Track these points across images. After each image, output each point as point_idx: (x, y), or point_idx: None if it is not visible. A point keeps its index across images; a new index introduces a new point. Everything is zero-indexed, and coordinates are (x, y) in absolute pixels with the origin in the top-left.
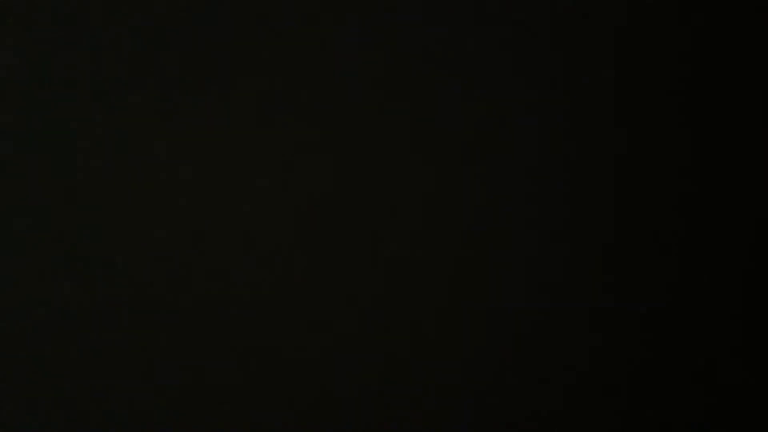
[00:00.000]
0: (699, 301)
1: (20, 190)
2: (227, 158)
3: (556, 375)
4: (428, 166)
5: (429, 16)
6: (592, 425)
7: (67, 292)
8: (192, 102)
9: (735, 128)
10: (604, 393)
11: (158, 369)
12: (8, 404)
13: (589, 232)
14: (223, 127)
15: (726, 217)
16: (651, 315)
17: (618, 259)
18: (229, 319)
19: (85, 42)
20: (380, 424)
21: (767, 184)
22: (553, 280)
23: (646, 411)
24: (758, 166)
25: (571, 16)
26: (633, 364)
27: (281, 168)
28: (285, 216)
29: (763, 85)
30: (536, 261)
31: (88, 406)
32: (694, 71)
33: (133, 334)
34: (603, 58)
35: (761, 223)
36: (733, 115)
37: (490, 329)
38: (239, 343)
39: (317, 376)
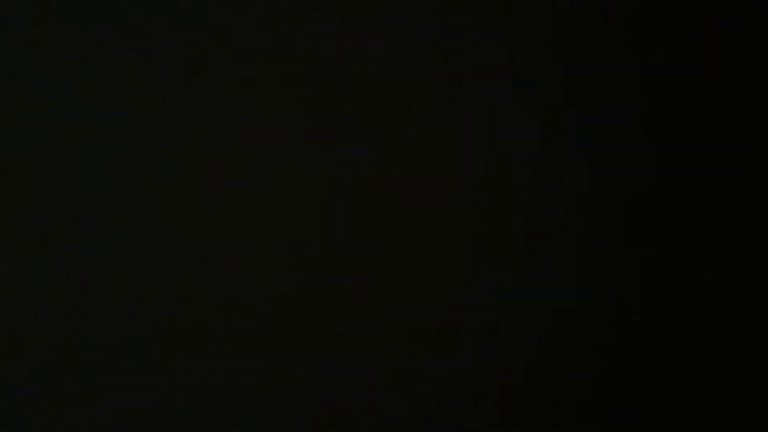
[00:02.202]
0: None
1: (22, 194)
2: (233, 158)
3: (560, 376)
4: (431, 167)
5: (432, 17)
6: (595, 424)
7: (74, 297)
8: (197, 102)
9: (739, 129)
10: (607, 393)
11: (170, 366)
12: (8, 405)
13: (590, 233)
14: (229, 127)
15: (727, 218)
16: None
17: (619, 261)
18: (234, 323)
19: (86, 41)
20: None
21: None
22: (556, 281)
23: (652, 411)
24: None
25: (572, 17)
26: (638, 366)
27: (285, 169)
28: (288, 216)
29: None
30: (538, 262)
31: (90, 410)
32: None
33: (137, 337)
34: (603, 58)
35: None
36: (736, 115)
37: (494, 330)
38: (246, 348)
39: (321, 379)
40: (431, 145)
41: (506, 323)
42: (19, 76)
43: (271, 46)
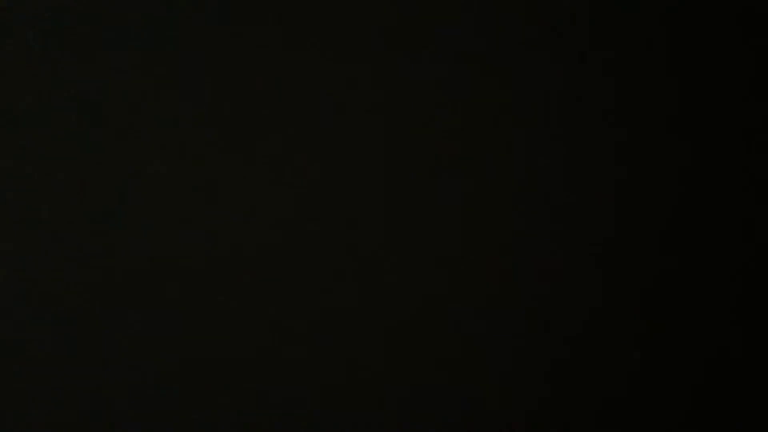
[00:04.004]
0: (699, 301)
1: (21, 191)
2: (224, 159)
3: (556, 375)
4: (427, 168)
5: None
6: (591, 424)
7: (64, 291)
8: (190, 104)
9: (735, 129)
10: (603, 392)
11: (155, 366)
12: (8, 403)
13: (588, 234)
14: (222, 128)
15: (726, 217)
16: (649, 315)
17: (618, 259)
18: (226, 318)
19: (85, 47)
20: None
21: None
22: (552, 280)
23: (646, 411)
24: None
25: (567, 20)
26: (630, 365)
27: (277, 171)
28: (282, 217)
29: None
30: (534, 262)
31: (87, 403)
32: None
33: (131, 330)
34: (603, 59)
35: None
36: (732, 116)
37: (491, 329)
38: (237, 342)
39: (316, 377)
40: (432, 145)
41: (508, 325)
42: (19, 77)
43: (267, 51)
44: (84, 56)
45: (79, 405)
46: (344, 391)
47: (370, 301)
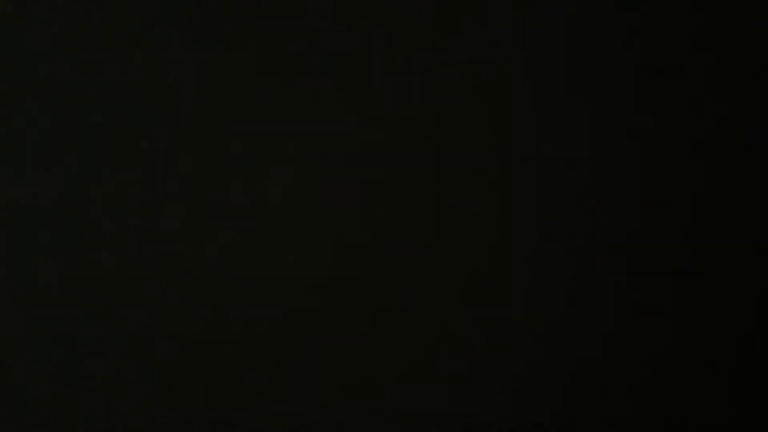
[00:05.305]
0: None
1: (22, 190)
2: (237, 155)
3: (563, 378)
4: (433, 168)
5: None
6: (599, 426)
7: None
8: (196, 100)
9: (742, 127)
10: (610, 394)
11: (161, 371)
12: (7, 402)
13: (588, 234)
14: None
15: (734, 218)
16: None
17: (626, 263)
18: (233, 321)
19: (94, 47)
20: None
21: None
22: (559, 284)
23: (656, 412)
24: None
25: (578, 19)
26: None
27: (289, 167)
28: (291, 214)
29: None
30: (543, 265)
31: (87, 405)
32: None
33: (133, 336)
34: (614, 60)
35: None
36: (739, 114)
37: (499, 332)
38: (243, 347)
39: (322, 380)
40: (438, 143)
41: (516, 328)
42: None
43: (286, 42)
44: (84, 55)
45: (79, 405)
46: (342, 390)
47: (369, 301)
